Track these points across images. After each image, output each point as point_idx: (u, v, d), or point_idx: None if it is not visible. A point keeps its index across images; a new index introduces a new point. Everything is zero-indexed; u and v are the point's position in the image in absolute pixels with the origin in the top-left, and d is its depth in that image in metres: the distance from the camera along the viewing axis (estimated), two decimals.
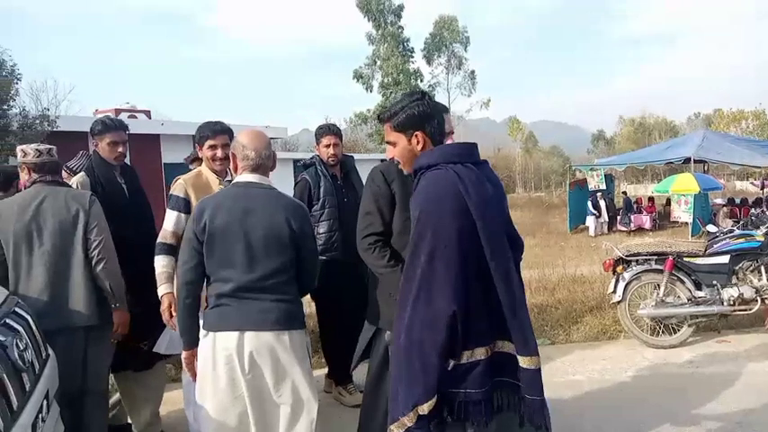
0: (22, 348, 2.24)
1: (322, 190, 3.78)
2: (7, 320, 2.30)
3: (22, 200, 2.80)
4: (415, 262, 1.89)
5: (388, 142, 2.19)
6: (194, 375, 2.39)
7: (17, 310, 2.47)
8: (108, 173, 3.28)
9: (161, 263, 2.87)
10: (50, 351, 2.60)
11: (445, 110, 2.56)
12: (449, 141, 2.47)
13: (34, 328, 2.48)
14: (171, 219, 2.93)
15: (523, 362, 1.94)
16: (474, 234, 1.88)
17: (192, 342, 2.35)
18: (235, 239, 2.23)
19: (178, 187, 2.98)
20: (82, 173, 3.27)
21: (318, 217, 3.74)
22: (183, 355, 2.40)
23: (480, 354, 1.94)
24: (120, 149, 3.29)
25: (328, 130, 3.91)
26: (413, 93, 2.19)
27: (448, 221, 1.87)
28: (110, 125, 3.28)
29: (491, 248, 1.90)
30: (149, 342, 3.18)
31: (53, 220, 2.77)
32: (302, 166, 3.95)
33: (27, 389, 2.16)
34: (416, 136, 2.08)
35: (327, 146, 3.84)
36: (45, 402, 2.30)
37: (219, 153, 3.09)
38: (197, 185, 2.97)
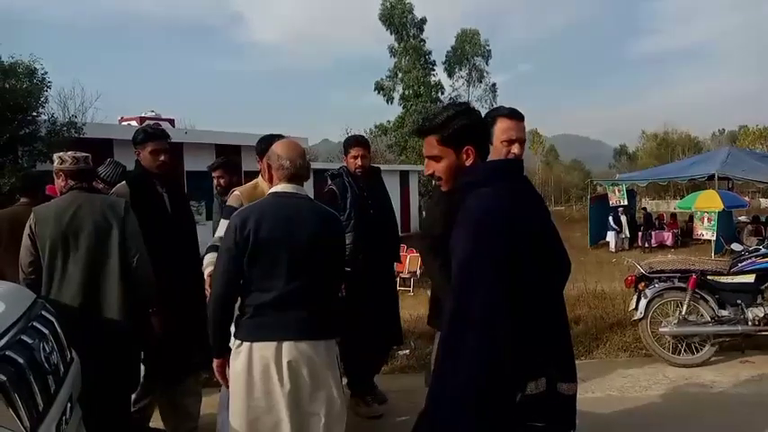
0: (48, 351, 2.29)
1: (348, 201, 3.77)
2: (35, 324, 2.35)
3: (58, 206, 2.87)
4: (471, 292, 1.73)
5: (430, 157, 1.96)
6: (226, 383, 2.38)
7: (44, 313, 2.53)
8: (148, 183, 3.25)
9: (210, 258, 2.86)
10: (75, 355, 2.65)
11: (518, 116, 2.46)
12: (515, 151, 2.41)
13: (60, 331, 2.54)
14: (224, 227, 2.95)
15: (563, 388, 1.90)
16: (527, 257, 1.78)
17: (223, 351, 2.34)
18: (279, 250, 2.22)
19: (234, 199, 3.01)
20: (123, 182, 3.29)
21: (344, 228, 3.74)
22: (215, 363, 2.37)
23: (543, 384, 1.84)
24: (162, 158, 3.25)
25: (357, 141, 3.93)
26: (459, 103, 2.06)
27: (506, 247, 1.74)
28: (151, 134, 3.28)
29: (543, 272, 1.83)
30: (185, 356, 3.16)
31: (89, 227, 2.84)
32: (329, 176, 3.96)
33: (52, 391, 2.20)
34: (467, 151, 1.90)
35: (355, 157, 3.83)
36: (69, 405, 2.34)
37: None
38: (253, 198, 2.95)
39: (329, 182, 3.93)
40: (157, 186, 3.27)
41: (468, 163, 1.90)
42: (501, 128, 2.40)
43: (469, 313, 1.72)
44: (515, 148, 2.41)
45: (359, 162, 3.83)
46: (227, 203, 3.04)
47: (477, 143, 1.91)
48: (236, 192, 3.07)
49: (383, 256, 3.98)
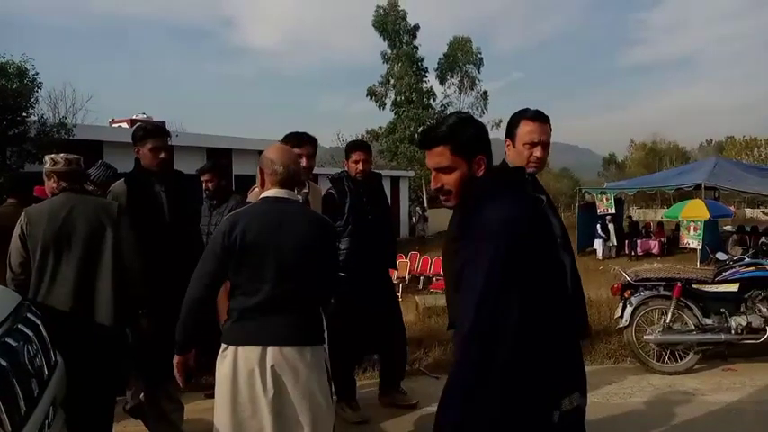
0: (32, 354, 2.28)
1: (347, 206, 3.77)
2: (20, 326, 2.34)
3: (51, 207, 2.86)
4: (501, 310, 1.63)
5: (439, 169, 1.83)
6: (183, 382, 2.39)
7: (29, 316, 2.52)
8: (146, 182, 3.20)
9: None
10: (59, 358, 2.63)
11: (543, 119, 2.41)
12: (537, 153, 2.38)
13: (45, 334, 2.53)
14: None
15: (582, 401, 1.87)
16: (547, 267, 1.75)
17: (185, 349, 2.34)
18: (266, 254, 2.22)
19: (254, 196, 3.02)
20: (121, 180, 3.24)
21: (341, 233, 3.73)
22: (175, 359, 2.36)
23: (577, 398, 1.79)
24: (162, 155, 3.19)
25: (358, 145, 3.94)
26: (462, 112, 1.99)
27: (531, 258, 1.68)
28: (151, 131, 3.23)
29: (559, 279, 1.81)
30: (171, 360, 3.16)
31: (83, 229, 2.83)
32: (330, 180, 3.95)
33: (35, 395, 2.19)
34: (479, 161, 1.80)
35: (356, 161, 3.83)
36: (51, 408, 2.32)
37: (304, 162, 3.18)
38: None
39: (329, 186, 3.93)
40: (155, 185, 3.21)
41: (479, 174, 1.81)
42: (524, 130, 2.38)
43: (500, 332, 1.62)
44: (537, 151, 2.38)
45: (360, 167, 3.83)
46: (248, 199, 3.05)
47: (487, 153, 1.83)
48: (257, 189, 3.08)
49: (379, 261, 3.98)
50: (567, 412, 1.75)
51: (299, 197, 3.11)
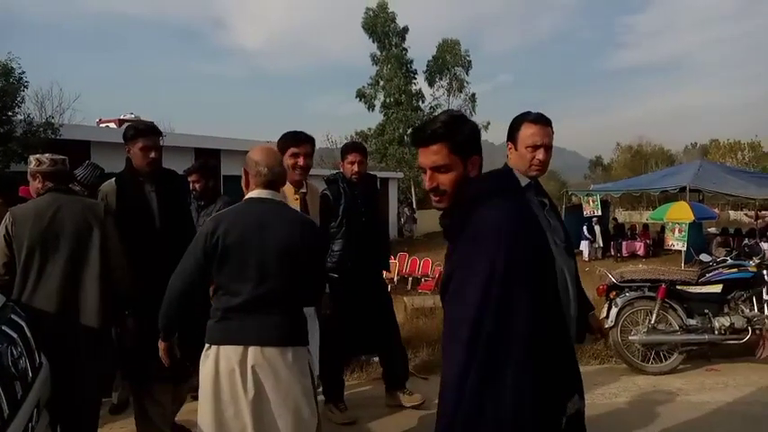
0: (16, 356, 2.26)
1: (342, 208, 3.77)
2: (3, 328, 2.32)
3: (38, 207, 2.84)
4: (509, 312, 1.57)
5: (435, 168, 1.75)
6: (166, 362, 2.43)
7: (13, 317, 2.49)
8: (135, 182, 3.16)
9: None
10: (44, 359, 2.61)
11: (544, 121, 2.38)
12: (540, 156, 2.35)
13: (29, 335, 2.50)
14: None
15: (581, 403, 1.88)
16: (543, 267, 1.70)
17: (169, 336, 2.39)
18: (249, 254, 2.23)
19: None
20: (111, 180, 3.20)
21: (335, 234, 3.73)
22: (160, 346, 2.41)
23: (577, 401, 1.80)
24: (153, 155, 3.12)
25: (354, 147, 3.94)
26: (454, 110, 1.95)
27: (534, 256, 1.65)
28: (142, 129, 3.17)
29: (554, 281, 1.78)
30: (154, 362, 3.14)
31: (70, 228, 2.82)
32: (325, 181, 3.93)
33: (19, 397, 2.17)
34: (473, 162, 1.76)
35: (352, 163, 3.83)
36: (35, 411, 2.31)
37: (301, 162, 3.20)
38: None
39: (322, 186, 3.93)
40: (146, 185, 3.16)
41: (472, 175, 1.75)
42: (526, 133, 2.35)
43: (504, 334, 1.56)
44: (540, 154, 2.35)
45: (355, 168, 3.83)
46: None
47: (481, 153, 1.78)
48: None
49: (373, 263, 3.99)
50: (570, 416, 1.75)
51: (297, 196, 3.13)
